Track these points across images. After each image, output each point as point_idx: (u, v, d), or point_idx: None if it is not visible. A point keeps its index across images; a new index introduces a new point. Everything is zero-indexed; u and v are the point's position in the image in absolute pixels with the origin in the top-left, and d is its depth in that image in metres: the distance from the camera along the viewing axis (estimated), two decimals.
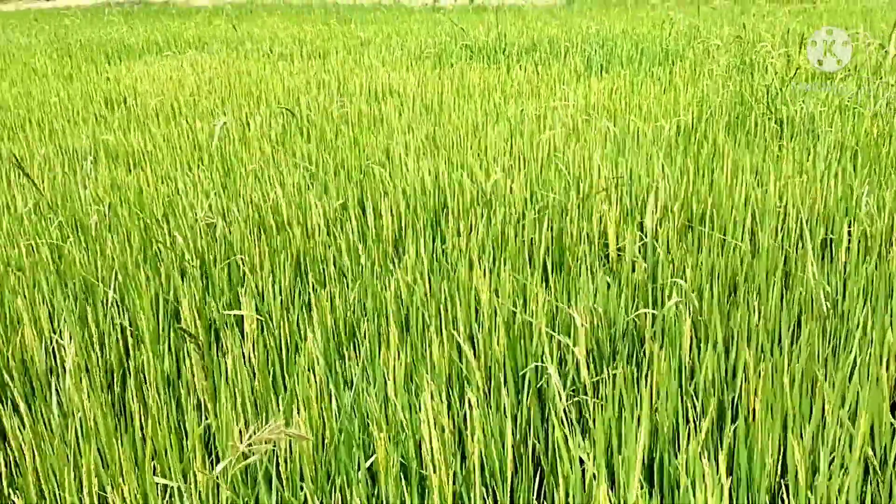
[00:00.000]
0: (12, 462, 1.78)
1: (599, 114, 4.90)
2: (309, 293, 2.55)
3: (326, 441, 1.71)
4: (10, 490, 1.72)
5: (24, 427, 1.76)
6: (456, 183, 3.41)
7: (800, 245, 2.68)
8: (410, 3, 22.40)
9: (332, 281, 2.65)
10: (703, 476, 1.44)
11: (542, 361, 1.84)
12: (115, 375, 2.15)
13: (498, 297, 2.24)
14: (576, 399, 1.78)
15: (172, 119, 5.80)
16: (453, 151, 4.23)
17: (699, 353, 1.92)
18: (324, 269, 2.73)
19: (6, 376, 2.05)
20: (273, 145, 4.68)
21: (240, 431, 1.74)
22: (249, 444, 1.31)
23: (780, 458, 1.67)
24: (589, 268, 2.45)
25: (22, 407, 1.78)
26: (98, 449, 1.73)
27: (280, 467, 1.67)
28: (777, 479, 1.67)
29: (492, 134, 4.47)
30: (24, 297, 2.47)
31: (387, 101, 6.15)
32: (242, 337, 2.21)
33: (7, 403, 2.02)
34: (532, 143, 4.10)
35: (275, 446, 1.67)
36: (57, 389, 1.93)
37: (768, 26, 9.17)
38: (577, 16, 12.73)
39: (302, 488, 1.64)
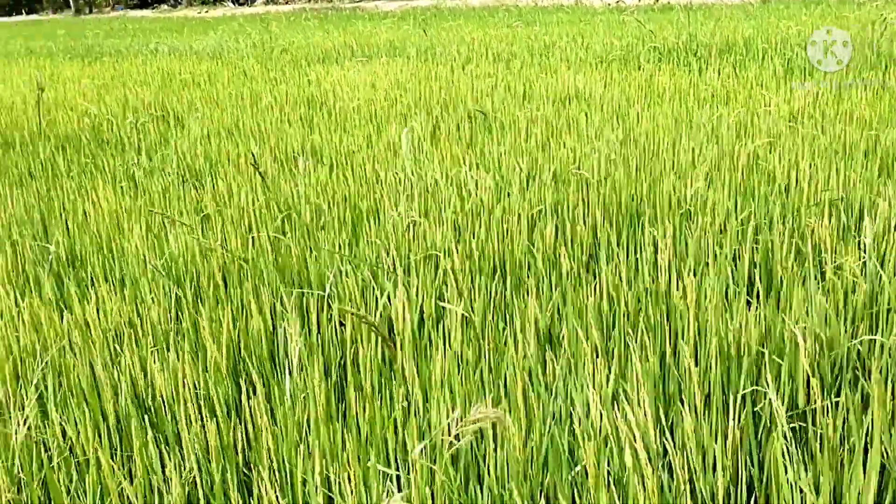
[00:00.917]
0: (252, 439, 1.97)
1: (805, 121, 4.63)
2: (507, 297, 2.61)
3: (534, 445, 1.76)
4: (247, 466, 1.90)
5: (258, 410, 1.94)
6: (649, 190, 3.36)
7: None
8: (591, 3, 22.05)
9: (527, 286, 2.70)
10: None
11: (757, 384, 1.79)
12: (331, 365, 2.32)
13: (697, 310, 2.19)
14: (793, 426, 1.72)
15: (369, 122, 6.10)
16: (645, 158, 4.16)
17: None
18: (520, 275, 2.78)
19: (247, 360, 2.27)
20: (463, 149, 4.81)
21: (449, 420, 1.82)
22: (458, 430, 1.38)
23: None
24: (799, 285, 2.34)
25: (259, 389, 1.97)
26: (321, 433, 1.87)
27: (488, 461, 1.73)
28: None
29: (686, 140, 4.35)
30: (252, 285, 2.71)
31: (573, 104, 6.14)
32: (443, 337, 2.30)
33: (241, 386, 2.23)
34: (733, 150, 3.95)
35: (479, 432, 1.74)
36: (289, 372, 2.11)
37: None
38: (773, 15, 12.07)
39: (508, 484, 1.69)
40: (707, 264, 2.67)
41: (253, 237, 3.33)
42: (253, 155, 3.80)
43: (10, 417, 1.94)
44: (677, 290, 2.39)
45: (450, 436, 1.36)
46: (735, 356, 2.00)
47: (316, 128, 5.89)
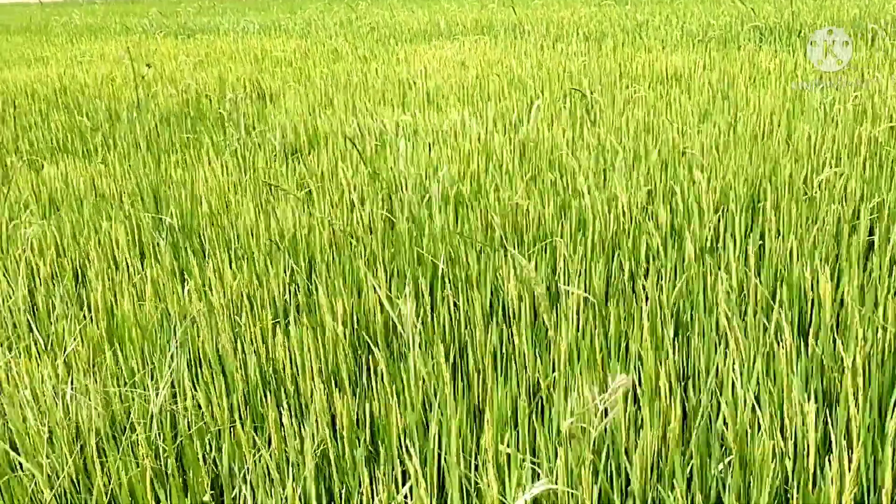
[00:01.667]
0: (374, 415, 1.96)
1: None
2: (623, 280, 2.54)
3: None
4: (374, 441, 1.90)
5: (385, 387, 1.94)
6: (770, 173, 3.22)
7: None
8: None
9: (642, 270, 2.62)
10: None
11: None
12: (449, 343, 2.30)
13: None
14: None
15: (461, 101, 6.05)
16: (757, 142, 4.00)
17: None
18: (635, 258, 2.71)
19: (366, 337, 2.27)
20: (563, 129, 4.72)
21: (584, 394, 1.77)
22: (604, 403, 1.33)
23: None
24: None
25: (382, 367, 1.96)
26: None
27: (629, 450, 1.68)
28: None
29: (800, 123, 4.16)
30: (364, 260, 2.72)
31: (673, 85, 5.96)
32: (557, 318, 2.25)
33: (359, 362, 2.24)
34: (853, 135, 3.76)
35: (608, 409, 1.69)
36: (408, 348, 2.10)
37: None
38: None
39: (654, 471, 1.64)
40: (839, 256, 2.55)
41: (358, 212, 3.34)
42: (350, 138, 3.79)
43: (147, 387, 1.99)
44: (810, 279, 2.28)
45: (594, 412, 1.32)
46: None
47: (408, 106, 5.88)
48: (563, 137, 4.36)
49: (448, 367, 1.94)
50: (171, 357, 2.03)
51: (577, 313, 2.25)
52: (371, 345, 2.21)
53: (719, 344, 2.06)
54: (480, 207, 3.24)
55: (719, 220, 2.87)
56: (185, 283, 2.66)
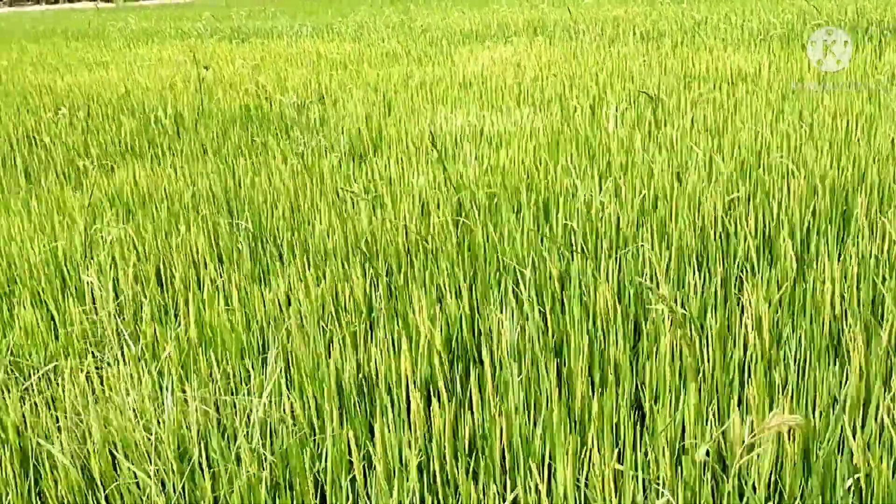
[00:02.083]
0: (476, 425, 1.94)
1: None
2: (713, 290, 2.48)
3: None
4: (471, 452, 1.88)
5: (490, 397, 1.91)
6: (859, 179, 3.12)
7: None
8: None
9: (734, 279, 2.56)
10: None
11: None
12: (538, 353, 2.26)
13: None
14: None
15: (522, 102, 6.01)
16: (840, 145, 3.88)
17: None
18: (725, 265, 2.64)
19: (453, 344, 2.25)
20: (628, 131, 4.65)
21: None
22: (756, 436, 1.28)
23: None
24: None
25: (488, 377, 1.93)
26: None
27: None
28: None
29: (884, 125, 4.03)
30: (443, 265, 2.69)
31: (740, 85, 5.84)
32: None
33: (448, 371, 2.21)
34: None
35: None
36: (495, 358, 2.07)
37: None
38: None
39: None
40: None
41: (430, 216, 3.32)
42: (431, 133, 3.77)
43: (245, 394, 1.99)
44: None
45: (743, 443, 1.27)
46: None
47: (468, 108, 5.85)
48: (633, 139, 4.29)
49: (553, 379, 1.90)
50: (265, 362, 2.03)
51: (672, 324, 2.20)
52: (462, 353, 2.19)
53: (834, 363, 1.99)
54: (558, 211, 3.20)
55: (810, 225, 2.78)
56: (267, 288, 2.67)
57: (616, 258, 2.69)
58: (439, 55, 8.97)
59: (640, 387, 2.02)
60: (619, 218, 3.05)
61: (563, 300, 2.48)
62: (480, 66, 7.77)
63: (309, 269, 2.88)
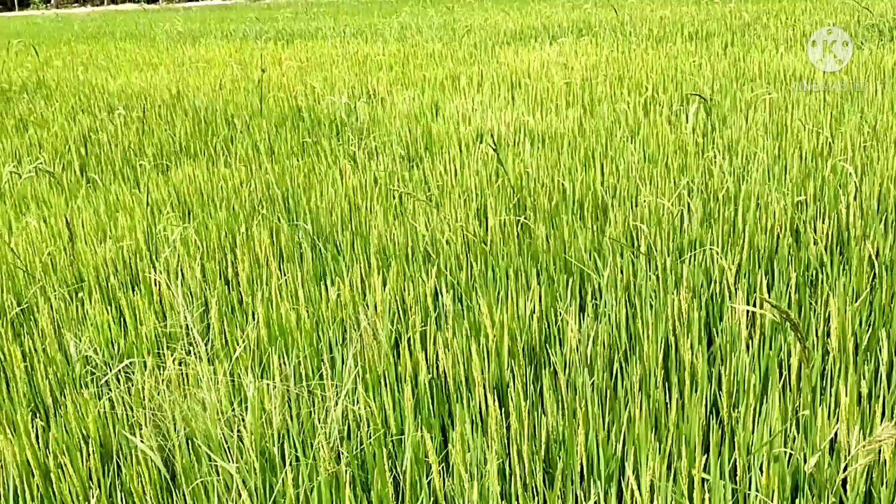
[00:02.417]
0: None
1: None
2: (787, 293, 2.43)
3: None
4: (547, 455, 1.86)
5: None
6: None
7: None
8: None
9: (806, 282, 2.51)
10: None
11: None
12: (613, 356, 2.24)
13: None
14: None
15: (573, 102, 5.97)
16: None
17: None
18: (797, 270, 2.59)
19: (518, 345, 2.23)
20: (684, 133, 4.59)
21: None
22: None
23: None
24: None
25: (562, 381, 1.92)
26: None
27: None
28: None
29: None
30: (513, 266, 2.68)
31: (792, 85, 5.74)
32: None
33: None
34: None
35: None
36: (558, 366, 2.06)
37: None
38: None
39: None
40: None
41: (486, 217, 3.31)
42: (492, 136, 3.77)
43: (320, 393, 2.00)
44: None
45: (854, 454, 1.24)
46: None
47: (518, 108, 5.83)
48: (691, 139, 4.23)
49: (634, 383, 1.88)
50: (333, 362, 2.04)
51: (748, 329, 2.16)
52: (530, 354, 2.17)
53: None
54: (619, 211, 3.17)
55: (885, 231, 2.72)
56: (330, 288, 2.68)
57: (684, 259, 2.66)
58: (485, 56, 8.95)
59: (717, 392, 1.99)
60: (681, 218, 3.01)
61: (631, 302, 2.45)
62: (527, 67, 7.74)
63: (369, 269, 2.89)
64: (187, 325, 2.52)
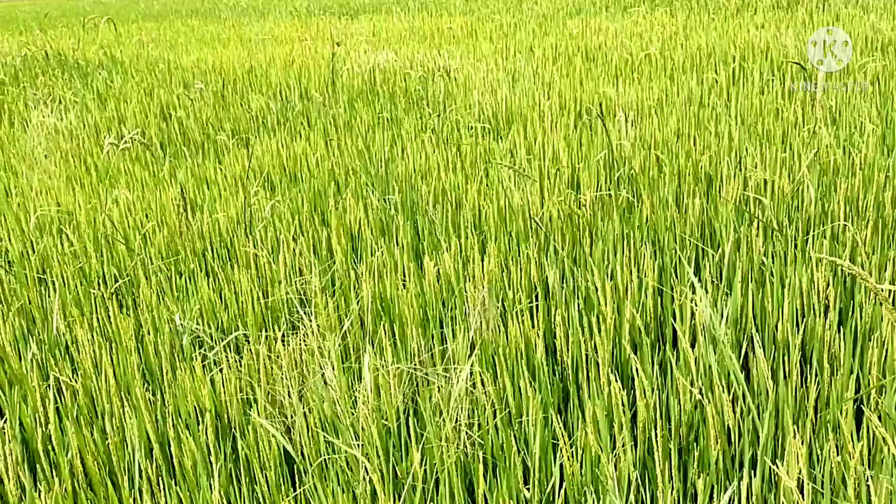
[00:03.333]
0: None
1: None
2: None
3: None
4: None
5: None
6: None
7: None
8: None
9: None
10: None
11: None
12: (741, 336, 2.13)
13: None
14: None
15: (655, 73, 5.78)
16: None
17: None
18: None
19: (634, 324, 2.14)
20: (778, 102, 4.39)
21: None
22: None
23: None
24: None
25: (692, 363, 1.82)
26: None
27: None
28: None
29: None
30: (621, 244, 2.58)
31: (893, 54, 5.44)
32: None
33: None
34: None
35: None
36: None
37: None
38: None
39: None
40: None
41: (579, 189, 3.20)
42: (600, 105, 3.64)
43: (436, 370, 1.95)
44: None
45: None
46: None
47: (596, 80, 5.67)
48: (790, 109, 4.04)
49: (766, 365, 1.77)
50: (444, 338, 1.98)
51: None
52: (648, 334, 2.08)
53: None
54: (731, 183, 3.03)
55: None
56: (432, 262, 2.62)
57: (812, 236, 2.52)
58: (555, 27, 8.76)
59: (859, 374, 1.87)
60: (800, 193, 2.86)
61: (754, 279, 2.33)
62: (600, 38, 7.54)
63: (466, 243, 2.82)
64: (291, 300, 2.50)
